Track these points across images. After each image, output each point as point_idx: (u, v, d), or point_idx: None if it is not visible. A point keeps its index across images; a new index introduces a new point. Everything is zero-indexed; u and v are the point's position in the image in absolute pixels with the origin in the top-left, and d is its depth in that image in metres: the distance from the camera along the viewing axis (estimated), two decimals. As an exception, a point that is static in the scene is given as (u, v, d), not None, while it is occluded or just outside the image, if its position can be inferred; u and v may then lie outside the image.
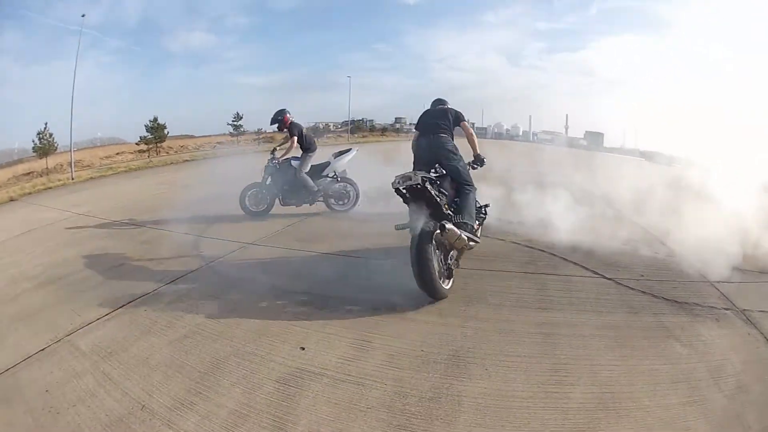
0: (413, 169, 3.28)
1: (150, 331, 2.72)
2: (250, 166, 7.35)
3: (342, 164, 5.98)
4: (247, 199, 5.80)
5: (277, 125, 6.04)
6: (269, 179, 5.81)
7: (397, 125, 25.69)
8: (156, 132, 21.01)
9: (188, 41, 27.65)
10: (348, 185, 6.03)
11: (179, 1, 25.54)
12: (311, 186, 5.82)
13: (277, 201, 5.90)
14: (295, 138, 5.82)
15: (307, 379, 2.14)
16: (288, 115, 5.94)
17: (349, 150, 6.17)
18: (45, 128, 19.19)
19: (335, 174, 5.95)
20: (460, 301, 2.94)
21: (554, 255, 3.87)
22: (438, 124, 3.55)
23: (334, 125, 25.13)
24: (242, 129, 25.66)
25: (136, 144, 21.31)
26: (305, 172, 5.83)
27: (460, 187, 3.31)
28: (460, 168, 3.36)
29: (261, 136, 26.40)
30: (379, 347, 2.32)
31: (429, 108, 3.91)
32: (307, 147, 5.91)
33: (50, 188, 15.01)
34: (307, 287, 3.35)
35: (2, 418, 2.37)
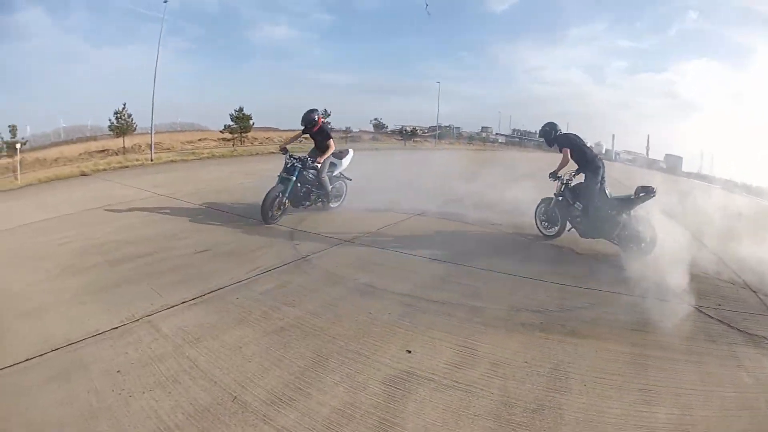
0: (596, 178, 4.87)
1: (243, 320, 2.64)
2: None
3: (345, 164, 6.36)
4: (273, 205, 5.35)
5: (307, 124, 5.90)
6: (292, 181, 5.47)
7: (483, 134, 25.79)
8: (241, 122, 20.97)
9: (271, 34, 28.04)
10: (343, 183, 6.38)
11: (260, -7, 25.85)
12: (328, 187, 5.93)
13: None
14: (332, 140, 5.85)
15: (414, 383, 2.14)
16: (320, 115, 6.03)
17: (347, 151, 6.56)
18: (123, 108, 18.88)
19: (341, 173, 6.29)
20: (557, 315, 3.00)
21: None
22: None
23: (420, 129, 25.14)
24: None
25: (220, 132, 21.27)
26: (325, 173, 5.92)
27: None
28: None
29: (348, 135, 26.83)
30: (483, 355, 2.35)
31: (571, 133, 5.25)
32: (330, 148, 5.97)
33: (127, 167, 14.47)
34: (408, 289, 3.37)
35: (55, 395, 2.25)
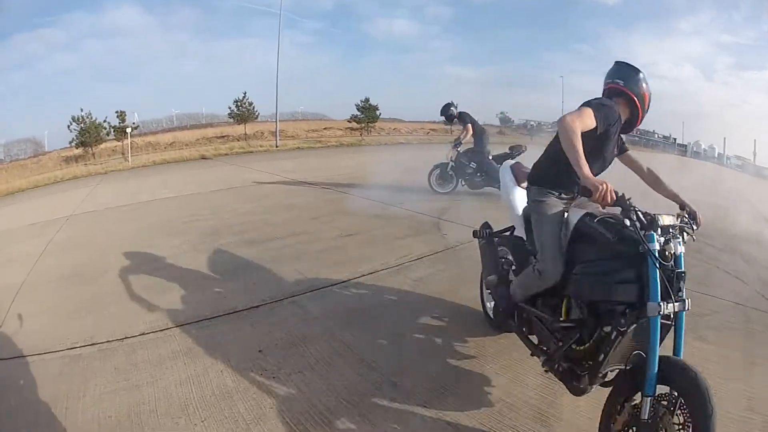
0: (485, 143, 6.94)
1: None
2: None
3: None
4: None
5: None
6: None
7: (604, 132, 26.48)
8: (367, 112, 20.98)
9: (390, 27, 28.16)
10: None
11: (375, -13, 25.54)
12: None
13: None
14: None
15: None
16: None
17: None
18: (244, 96, 19.41)
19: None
20: (690, 321, 3.06)
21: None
22: None
23: (545, 124, 24.70)
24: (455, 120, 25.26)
25: (347, 121, 21.34)
26: None
27: None
28: None
29: (475, 128, 26.38)
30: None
31: (465, 111, 7.15)
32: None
33: (251, 152, 13.80)
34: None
35: (178, 373, 2.25)
